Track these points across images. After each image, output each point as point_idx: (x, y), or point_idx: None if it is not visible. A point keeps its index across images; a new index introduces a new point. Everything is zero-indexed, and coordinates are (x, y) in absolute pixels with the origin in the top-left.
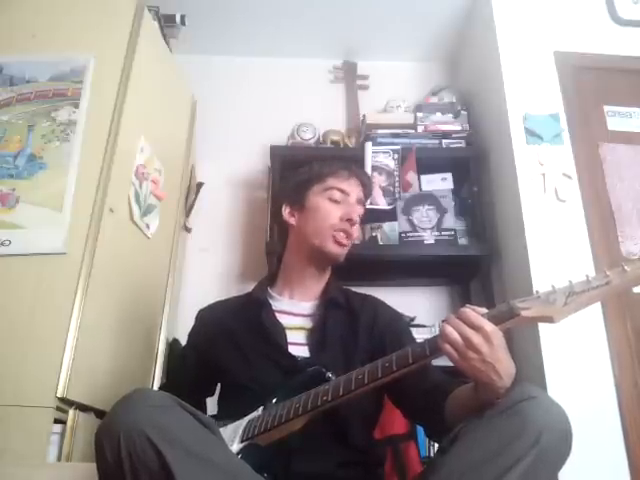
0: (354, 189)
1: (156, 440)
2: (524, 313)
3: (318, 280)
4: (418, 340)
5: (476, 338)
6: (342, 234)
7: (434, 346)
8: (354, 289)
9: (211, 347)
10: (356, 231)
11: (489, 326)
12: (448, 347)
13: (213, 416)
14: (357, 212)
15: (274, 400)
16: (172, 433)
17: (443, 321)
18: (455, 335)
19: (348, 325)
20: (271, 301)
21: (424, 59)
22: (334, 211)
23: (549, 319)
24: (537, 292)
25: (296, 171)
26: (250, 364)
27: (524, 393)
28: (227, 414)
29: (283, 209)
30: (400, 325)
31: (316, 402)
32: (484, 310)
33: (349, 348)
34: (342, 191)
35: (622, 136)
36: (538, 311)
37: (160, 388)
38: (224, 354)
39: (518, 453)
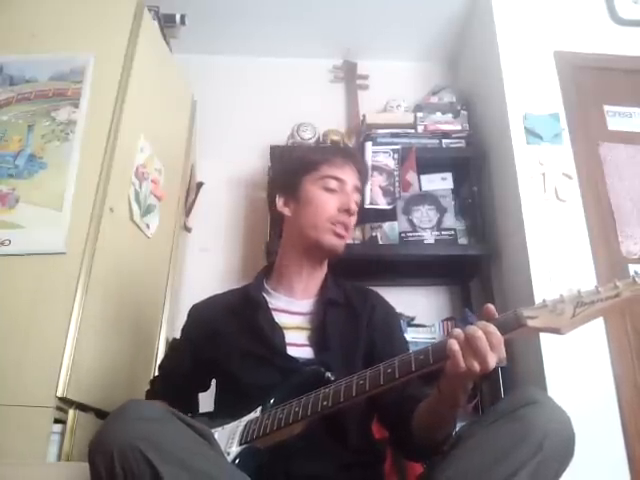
0: (350, 177)
1: (150, 455)
2: (530, 323)
3: (315, 275)
4: (406, 337)
5: (491, 358)
6: (340, 226)
7: (439, 355)
8: None
9: (206, 345)
10: (354, 221)
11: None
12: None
13: (210, 413)
14: (354, 201)
15: (272, 400)
16: (166, 447)
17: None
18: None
19: (348, 324)
20: (268, 297)
21: (424, 59)
22: (330, 201)
23: (556, 331)
24: (544, 301)
25: (288, 159)
26: (247, 364)
27: (527, 397)
28: (224, 412)
29: (277, 200)
30: (392, 322)
31: (316, 408)
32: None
33: (350, 348)
34: (338, 179)
35: (622, 136)
36: (545, 321)
37: (152, 382)
38: (220, 353)
39: (520, 460)
